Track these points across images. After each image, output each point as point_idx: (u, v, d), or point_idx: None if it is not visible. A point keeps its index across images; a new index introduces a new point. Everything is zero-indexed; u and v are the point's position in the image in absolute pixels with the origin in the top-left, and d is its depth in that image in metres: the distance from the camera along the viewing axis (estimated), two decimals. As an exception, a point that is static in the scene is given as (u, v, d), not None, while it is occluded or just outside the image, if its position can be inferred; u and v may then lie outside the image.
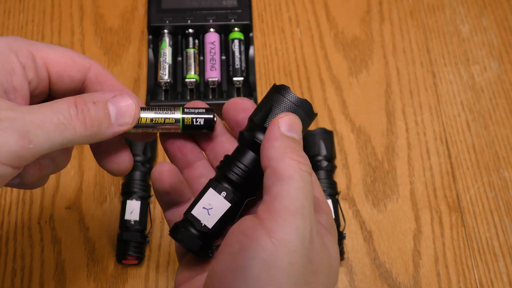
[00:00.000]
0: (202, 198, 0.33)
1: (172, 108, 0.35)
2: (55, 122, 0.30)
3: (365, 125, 0.63)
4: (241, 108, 0.34)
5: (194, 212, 0.33)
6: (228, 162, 0.34)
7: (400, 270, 0.56)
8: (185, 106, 0.36)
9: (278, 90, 0.33)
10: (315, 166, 0.57)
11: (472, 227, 0.58)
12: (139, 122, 0.34)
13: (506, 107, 0.64)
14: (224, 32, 0.65)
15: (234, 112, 0.35)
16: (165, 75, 0.61)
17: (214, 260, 0.32)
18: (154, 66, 0.63)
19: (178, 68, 0.63)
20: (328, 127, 0.62)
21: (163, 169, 0.34)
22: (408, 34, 0.68)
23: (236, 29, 0.64)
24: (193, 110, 0.35)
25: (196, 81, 0.62)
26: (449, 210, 0.59)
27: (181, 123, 0.35)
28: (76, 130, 0.30)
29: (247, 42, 0.64)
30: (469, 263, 0.56)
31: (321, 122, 0.63)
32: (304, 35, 0.68)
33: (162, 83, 0.62)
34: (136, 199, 0.55)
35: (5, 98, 0.31)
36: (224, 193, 0.33)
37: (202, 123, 0.35)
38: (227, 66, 0.63)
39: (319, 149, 0.57)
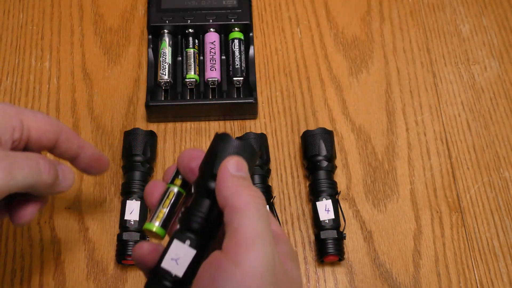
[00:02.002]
0: (169, 250, 0.35)
1: (164, 193, 0.39)
2: (30, 166, 0.39)
3: (365, 125, 0.63)
4: (193, 156, 0.37)
5: (164, 265, 0.35)
6: (187, 212, 0.36)
7: (400, 270, 0.56)
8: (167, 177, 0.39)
9: (220, 139, 0.36)
10: (315, 166, 0.57)
11: (473, 227, 0.58)
12: (163, 222, 0.38)
13: (506, 107, 0.64)
14: (224, 32, 0.64)
15: (187, 160, 0.37)
16: (165, 75, 0.61)
17: None
18: (154, 66, 0.63)
19: (178, 68, 0.63)
20: (328, 127, 0.62)
21: (143, 252, 0.36)
22: (408, 34, 0.68)
23: (236, 29, 0.64)
24: (175, 174, 0.39)
25: (196, 81, 0.62)
26: (449, 210, 0.59)
27: (179, 188, 0.38)
28: (43, 175, 0.40)
29: (247, 42, 0.64)
30: (469, 263, 0.56)
31: (321, 122, 0.63)
32: (304, 35, 0.68)
33: (162, 83, 0.61)
34: (136, 199, 0.55)
35: None
36: (188, 241, 0.35)
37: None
38: (227, 66, 0.63)
39: (319, 149, 0.57)
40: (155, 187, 0.39)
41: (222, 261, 0.31)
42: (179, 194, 0.38)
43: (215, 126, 0.62)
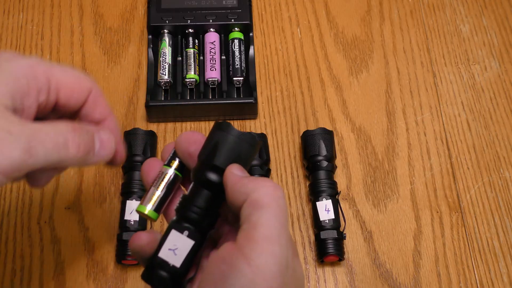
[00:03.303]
0: (166, 240, 0.35)
1: (159, 174, 0.38)
2: (54, 141, 0.33)
3: (365, 125, 0.63)
4: (192, 141, 0.36)
5: (161, 254, 0.35)
6: (186, 202, 0.35)
7: (400, 270, 0.56)
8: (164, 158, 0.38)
9: (221, 128, 0.35)
10: (315, 166, 0.57)
11: (473, 227, 0.58)
12: (156, 206, 0.37)
13: (506, 107, 0.64)
14: (224, 32, 0.64)
15: (186, 144, 0.36)
16: (165, 75, 0.61)
17: None
18: (154, 66, 0.63)
19: (178, 68, 0.63)
20: (328, 127, 0.62)
21: (142, 242, 0.36)
22: (409, 34, 0.68)
23: (236, 29, 0.64)
24: (172, 156, 0.38)
25: (196, 81, 0.62)
26: (449, 210, 0.59)
27: (175, 170, 0.38)
28: (69, 151, 0.34)
29: (247, 42, 0.64)
30: (469, 263, 0.56)
31: (321, 122, 0.63)
32: (304, 35, 0.68)
33: (162, 83, 0.61)
34: (136, 199, 0.55)
35: (13, 115, 0.33)
36: (186, 232, 0.35)
37: None
38: (227, 66, 0.63)
39: (319, 149, 0.57)
40: (151, 166, 0.38)
41: (235, 256, 0.31)
42: (175, 177, 0.38)
43: (215, 126, 0.62)
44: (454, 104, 0.64)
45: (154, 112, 0.61)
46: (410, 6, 0.70)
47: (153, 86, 0.62)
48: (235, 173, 0.34)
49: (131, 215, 0.54)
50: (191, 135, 0.37)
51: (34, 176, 0.37)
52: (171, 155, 0.38)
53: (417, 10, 0.70)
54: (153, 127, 0.62)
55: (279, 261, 0.30)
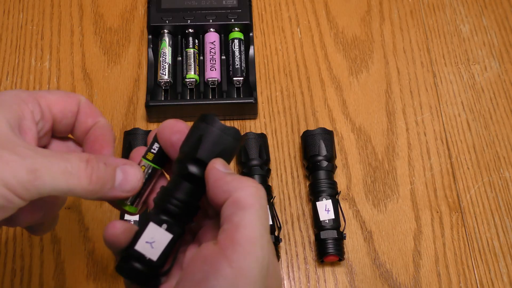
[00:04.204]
0: (144, 232, 0.34)
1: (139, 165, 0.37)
2: (62, 168, 0.32)
3: (365, 125, 0.63)
4: (176, 130, 0.36)
5: (138, 247, 0.34)
6: (165, 194, 0.35)
7: (400, 270, 0.56)
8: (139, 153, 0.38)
9: (205, 120, 0.35)
10: (315, 166, 0.57)
11: (473, 227, 0.58)
12: (133, 199, 0.37)
13: (506, 107, 0.64)
14: (224, 32, 0.64)
15: (168, 133, 0.36)
16: (165, 75, 0.61)
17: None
18: (154, 66, 0.63)
19: (178, 68, 0.63)
20: (328, 127, 0.62)
21: (116, 232, 0.35)
22: (409, 34, 0.68)
23: (236, 29, 0.64)
24: (150, 146, 0.37)
25: (196, 81, 0.62)
26: (449, 210, 0.59)
27: (150, 163, 0.37)
28: (80, 181, 0.33)
29: (247, 42, 0.64)
30: (469, 263, 0.56)
31: (321, 122, 0.63)
32: (304, 35, 0.68)
33: (162, 83, 0.61)
34: (136, 199, 0.55)
35: (18, 138, 0.33)
36: (165, 225, 0.34)
37: (158, 144, 0.37)
38: (227, 66, 0.63)
39: (319, 149, 0.57)
40: (137, 155, 0.37)
41: (217, 257, 0.30)
42: (153, 170, 0.37)
43: (215, 126, 0.62)
44: (454, 104, 0.64)
45: (154, 112, 0.61)
46: (410, 6, 0.70)
47: (153, 86, 0.62)
48: (218, 169, 0.33)
49: (131, 215, 0.54)
50: (175, 123, 0.36)
51: (46, 207, 0.37)
52: (149, 145, 0.37)
53: (417, 10, 0.70)
54: (153, 127, 0.62)
55: (261, 264, 0.30)
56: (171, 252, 0.34)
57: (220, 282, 0.30)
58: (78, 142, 0.40)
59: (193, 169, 0.34)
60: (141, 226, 0.34)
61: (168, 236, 0.34)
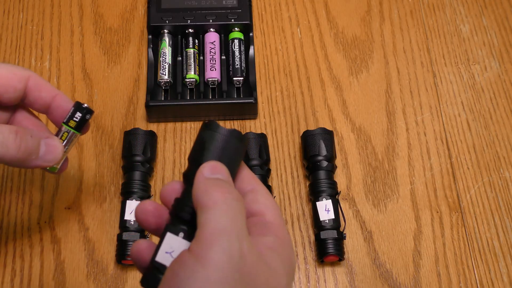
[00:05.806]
0: (162, 243, 0.35)
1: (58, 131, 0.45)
2: None
3: (365, 125, 0.63)
4: (171, 189, 0.37)
5: (158, 258, 0.35)
6: (179, 204, 0.35)
7: (400, 270, 0.56)
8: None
9: (208, 127, 0.35)
10: (315, 166, 0.57)
11: (473, 227, 0.58)
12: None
13: (506, 107, 0.64)
14: (224, 32, 0.64)
15: (169, 197, 0.37)
16: (165, 75, 0.61)
17: None
18: (154, 66, 0.63)
19: (178, 68, 0.63)
20: (328, 127, 0.62)
21: (141, 248, 0.36)
22: (409, 34, 0.68)
23: (236, 29, 0.64)
24: (69, 115, 0.44)
25: (196, 81, 0.62)
26: (449, 210, 0.59)
27: (71, 128, 0.44)
28: (9, 150, 0.38)
29: (247, 42, 0.64)
30: (469, 263, 0.56)
31: (321, 122, 0.63)
32: (304, 35, 0.68)
33: (162, 83, 0.61)
34: (136, 199, 0.55)
35: None
36: (181, 234, 0.35)
37: (80, 113, 0.44)
38: (227, 66, 0.63)
39: (319, 149, 0.57)
40: (147, 209, 0.38)
41: (186, 258, 0.31)
42: (73, 135, 0.44)
43: (215, 126, 0.62)
44: (454, 104, 0.64)
45: (154, 112, 0.61)
46: (410, 6, 0.70)
47: (153, 86, 0.62)
48: (203, 173, 0.34)
49: (131, 215, 0.54)
50: (171, 184, 0.37)
51: None
52: (72, 113, 0.43)
53: (417, 10, 0.70)
54: (153, 127, 0.62)
55: (229, 255, 0.30)
56: None
57: (192, 279, 0.30)
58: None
59: None
60: (160, 238, 0.35)
61: (186, 244, 0.34)
